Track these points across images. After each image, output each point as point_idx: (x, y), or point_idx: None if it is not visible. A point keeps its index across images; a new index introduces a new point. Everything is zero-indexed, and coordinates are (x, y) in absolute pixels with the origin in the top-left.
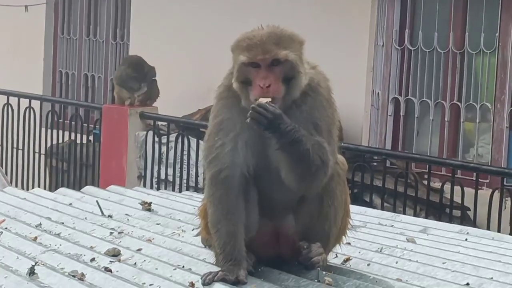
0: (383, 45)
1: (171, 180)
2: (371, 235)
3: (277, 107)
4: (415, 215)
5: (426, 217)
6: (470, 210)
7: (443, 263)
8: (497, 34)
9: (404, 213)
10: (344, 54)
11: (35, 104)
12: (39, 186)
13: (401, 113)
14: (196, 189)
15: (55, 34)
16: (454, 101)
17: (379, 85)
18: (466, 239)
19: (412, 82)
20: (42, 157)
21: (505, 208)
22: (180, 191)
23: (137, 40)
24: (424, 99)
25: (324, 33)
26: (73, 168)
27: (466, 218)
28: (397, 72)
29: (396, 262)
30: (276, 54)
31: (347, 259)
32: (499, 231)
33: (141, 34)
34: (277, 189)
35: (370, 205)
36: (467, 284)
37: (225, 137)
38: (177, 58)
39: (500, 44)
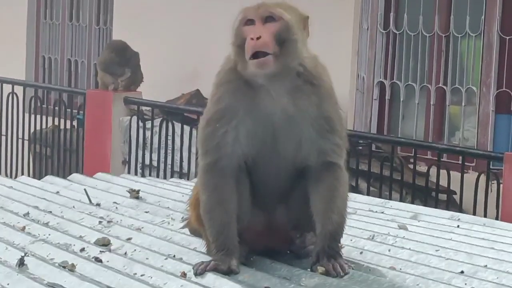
0: (368, 29)
1: (156, 165)
2: (362, 222)
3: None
4: (401, 199)
5: (413, 201)
6: (456, 194)
7: (436, 250)
8: (483, 17)
9: (390, 197)
10: (328, 38)
11: (18, 89)
12: (23, 173)
13: (387, 97)
14: (181, 175)
15: (37, 19)
16: (440, 85)
17: (364, 69)
18: (458, 226)
19: (397, 66)
20: (26, 143)
21: (491, 191)
22: (165, 176)
23: (120, 24)
24: (409, 82)
25: (309, 16)
26: (57, 154)
27: (452, 202)
28: (382, 55)
29: (389, 250)
30: (269, 10)
31: (340, 246)
32: (485, 214)
33: (124, 19)
34: (274, 178)
35: (356, 189)
36: (462, 272)
37: (227, 125)
38: (161, 42)
39: (485, 27)
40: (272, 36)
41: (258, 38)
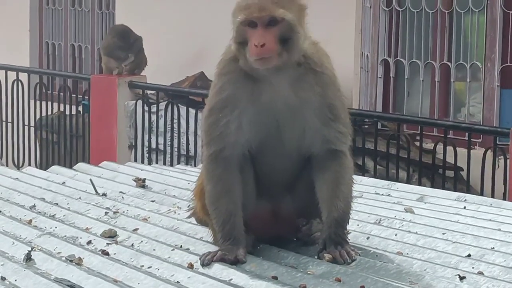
0: (370, 7)
1: (162, 149)
2: (368, 206)
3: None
4: (408, 177)
5: (419, 178)
6: (463, 170)
7: (443, 233)
8: None
9: (397, 175)
10: (332, 16)
11: (23, 76)
12: (29, 159)
13: (391, 75)
14: (188, 158)
15: (40, 5)
16: (444, 61)
17: (368, 47)
18: (464, 207)
19: (401, 43)
20: (32, 129)
21: (498, 167)
22: (171, 160)
23: (123, 8)
24: (413, 60)
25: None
26: (63, 140)
27: (459, 179)
28: (385, 33)
29: (396, 235)
30: (272, 12)
31: (346, 233)
32: (493, 190)
33: (126, 3)
34: (279, 167)
35: (363, 168)
36: (469, 255)
37: (230, 115)
38: (164, 25)
39: (488, 2)
40: (275, 40)
41: (262, 46)
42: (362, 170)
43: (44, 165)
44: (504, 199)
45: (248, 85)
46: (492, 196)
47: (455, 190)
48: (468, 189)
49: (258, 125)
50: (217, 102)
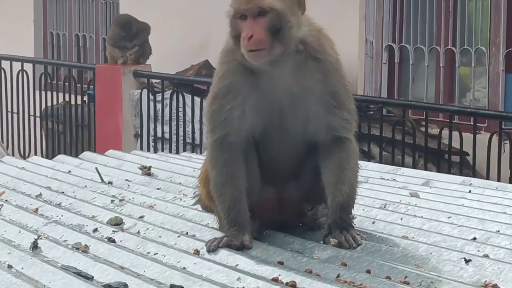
0: None
1: (168, 138)
2: (373, 190)
3: None
4: (414, 162)
5: (425, 164)
6: (469, 155)
7: (448, 217)
8: None
9: (403, 161)
10: (336, 3)
11: (28, 67)
12: (35, 149)
13: (396, 61)
14: (193, 146)
15: None
16: (449, 46)
17: (372, 33)
18: (469, 191)
19: (405, 29)
20: (38, 120)
21: (504, 151)
22: (177, 148)
23: None
24: (418, 45)
25: None
26: (69, 130)
27: (465, 163)
28: (390, 19)
29: (401, 219)
30: (260, 3)
31: (352, 217)
32: (499, 175)
33: None
34: (284, 153)
35: (369, 154)
36: (474, 238)
37: (233, 101)
38: (168, 14)
39: None
40: (264, 31)
41: (250, 38)
42: (367, 156)
43: (50, 155)
44: (510, 183)
45: (249, 74)
46: (498, 181)
47: (461, 175)
48: (474, 174)
49: (261, 112)
50: (220, 89)
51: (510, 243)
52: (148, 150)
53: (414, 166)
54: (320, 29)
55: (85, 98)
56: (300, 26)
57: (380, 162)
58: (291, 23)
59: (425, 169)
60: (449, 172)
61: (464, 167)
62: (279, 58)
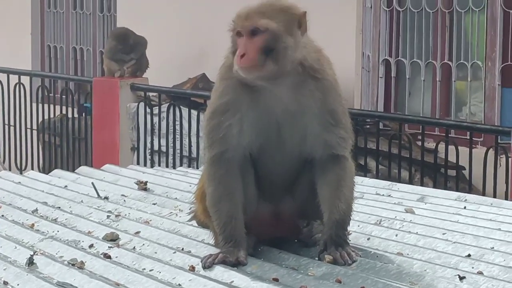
0: (371, 7)
1: (165, 151)
2: (369, 206)
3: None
4: (410, 176)
5: (421, 178)
6: (465, 169)
7: (443, 234)
8: None
9: (399, 175)
10: (333, 17)
11: (25, 79)
12: (32, 162)
13: (392, 75)
14: (190, 159)
15: (41, 8)
16: (445, 61)
17: (369, 47)
18: (464, 207)
19: (402, 43)
20: (34, 132)
21: (500, 166)
22: (174, 162)
23: (124, 11)
24: (414, 59)
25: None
26: (66, 143)
27: (461, 178)
28: (386, 33)
29: (396, 235)
30: (255, 23)
31: (347, 234)
32: (495, 189)
33: (128, 5)
34: (280, 170)
35: (365, 168)
36: (469, 255)
37: (232, 118)
38: (165, 27)
39: (488, 1)
40: (257, 50)
41: (242, 56)
42: (364, 170)
43: (47, 168)
44: (506, 198)
45: (248, 91)
46: (494, 195)
47: (457, 189)
48: (470, 188)
49: (259, 129)
50: (219, 105)
51: (505, 260)
52: (145, 163)
53: (411, 180)
54: (320, 49)
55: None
56: (298, 47)
57: (377, 176)
58: (286, 44)
59: (422, 183)
60: (445, 186)
61: (460, 181)
62: (277, 76)
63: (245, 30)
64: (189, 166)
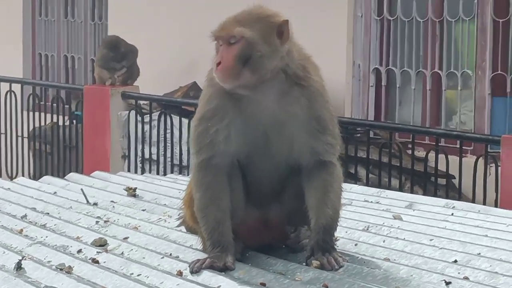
0: (362, 16)
1: (156, 159)
2: (357, 213)
3: None
4: (400, 185)
5: (412, 186)
6: (455, 178)
7: (431, 240)
8: (476, 1)
9: (389, 183)
10: (323, 26)
11: (16, 87)
12: (23, 170)
13: (383, 83)
14: (181, 168)
15: (32, 16)
16: (435, 70)
17: (360, 56)
18: (452, 214)
19: (392, 52)
20: (25, 140)
21: (489, 174)
22: (165, 170)
23: (115, 19)
24: (405, 68)
25: (303, 6)
26: (56, 151)
27: (451, 186)
28: (377, 42)
29: (384, 241)
30: (230, 31)
31: (335, 240)
32: (484, 198)
33: (119, 13)
34: (267, 176)
35: (355, 176)
36: (455, 261)
37: (219, 124)
38: (157, 36)
39: (478, 10)
40: (232, 58)
41: (218, 64)
42: (354, 179)
43: (37, 176)
44: (495, 206)
45: (235, 98)
46: (484, 204)
47: (447, 198)
48: (460, 197)
49: (246, 136)
50: (206, 111)
51: (491, 266)
52: (136, 171)
53: (401, 188)
54: (308, 57)
55: (67, 119)
56: (277, 55)
57: (367, 184)
58: (262, 52)
59: (412, 191)
60: (435, 195)
61: (450, 190)
62: (256, 85)
63: (222, 39)
64: (180, 174)
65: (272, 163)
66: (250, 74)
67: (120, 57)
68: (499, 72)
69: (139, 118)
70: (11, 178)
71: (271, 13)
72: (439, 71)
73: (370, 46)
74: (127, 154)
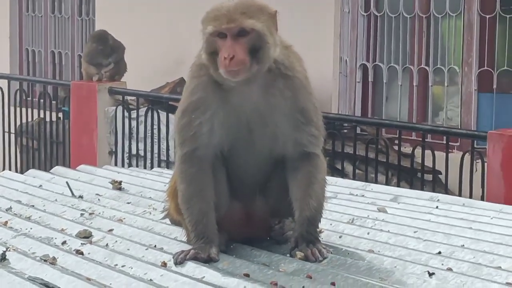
0: (349, 12)
1: (143, 155)
2: (342, 206)
3: None
4: (387, 181)
5: (398, 182)
6: (441, 174)
7: (415, 232)
8: None
9: (376, 179)
10: (310, 21)
11: (3, 83)
12: (10, 166)
13: (370, 79)
14: (168, 163)
15: (19, 12)
16: (422, 66)
17: (347, 52)
18: (437, 207)
19: (379, 48)
20: (12, 136)
21: (476, 170)
22: (152, 166)
23: (102, 15)
24: (392, 64)
25: (290, 1)
26: (43, 146)
27: (437, 182)
28: (364, 38)
29: (368, 233)
30: (241, 23)
31: (319, 232)
32: (470, 193)
33: (106, 9)
34: (252, 168)
35: (342, 172)
36: (439, 252)
37: (202, 116)
38: (144, 31)
39: (465, 6)
40: (245, 51)
41: (232, 58)
42: (341, 174)
43: (24, 172)
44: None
45: (218, 89)
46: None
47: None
48: (447, 192)
49: (230, 128)
50: (190, 103)
51: (474, 257)
52: (123, 166)
53: (387, 184)
54: (289, 46)
55: (60, 115)
56: (276, 46)
57: (354, 180)
58: (270, 43)
59: (398, 187)
60: (421, 190)
61: (437, 185)
62: (254, 76)
63: (230, 32)
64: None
65: (256, 155)
66: (258, 66)
67: (109, 51)
68: (485, 68)
69: (126, 114)
70: None
71: (266, 4)
72: (426, 67)
73: (357, 42)
74: (114, 150)
